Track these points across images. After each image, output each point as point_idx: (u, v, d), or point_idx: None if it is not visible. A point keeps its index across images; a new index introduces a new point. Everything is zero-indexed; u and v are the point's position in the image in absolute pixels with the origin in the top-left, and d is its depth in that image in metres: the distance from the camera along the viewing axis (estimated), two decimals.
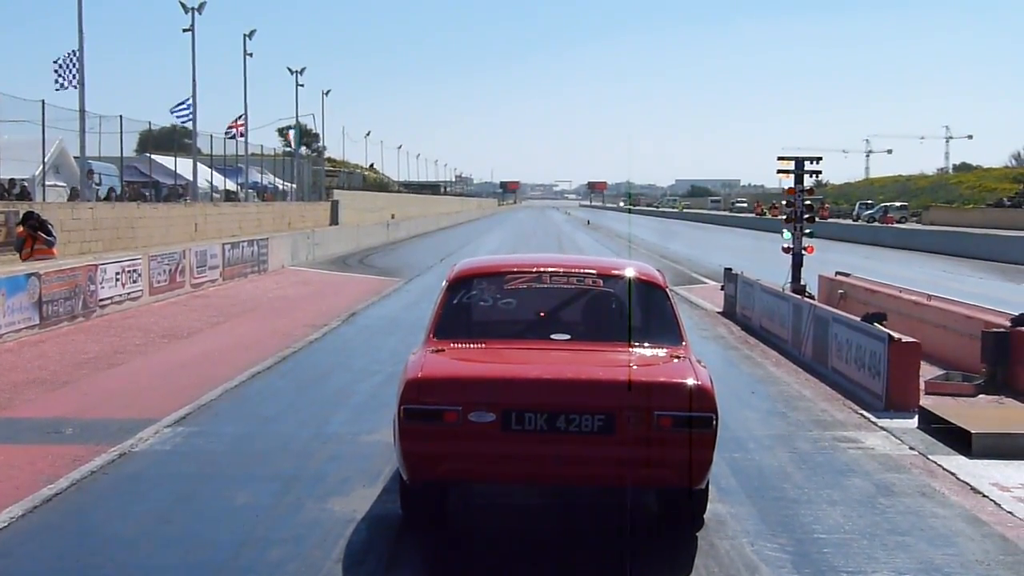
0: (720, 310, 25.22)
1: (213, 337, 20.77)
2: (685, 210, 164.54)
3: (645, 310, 9.22)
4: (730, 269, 25.64)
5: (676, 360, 8.56)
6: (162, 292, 27.07)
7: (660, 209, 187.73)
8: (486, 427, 7.83)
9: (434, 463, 7.99)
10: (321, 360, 17.97)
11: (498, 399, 7.87)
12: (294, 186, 63.83)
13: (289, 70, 66.66)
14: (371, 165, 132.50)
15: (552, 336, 8.95)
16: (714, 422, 7.94)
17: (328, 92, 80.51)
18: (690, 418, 7.82)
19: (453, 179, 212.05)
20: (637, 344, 8.82)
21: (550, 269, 9.58)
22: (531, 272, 9.52)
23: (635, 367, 8.19)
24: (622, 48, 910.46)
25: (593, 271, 9.55)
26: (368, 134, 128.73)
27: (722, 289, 25.98)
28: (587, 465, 7.91)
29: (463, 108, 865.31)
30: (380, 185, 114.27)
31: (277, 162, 65.49)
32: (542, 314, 9.24)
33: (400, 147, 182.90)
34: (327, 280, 34.94)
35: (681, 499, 8.54)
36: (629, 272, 9.57)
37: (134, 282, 25.38)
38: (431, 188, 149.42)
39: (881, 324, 15.06)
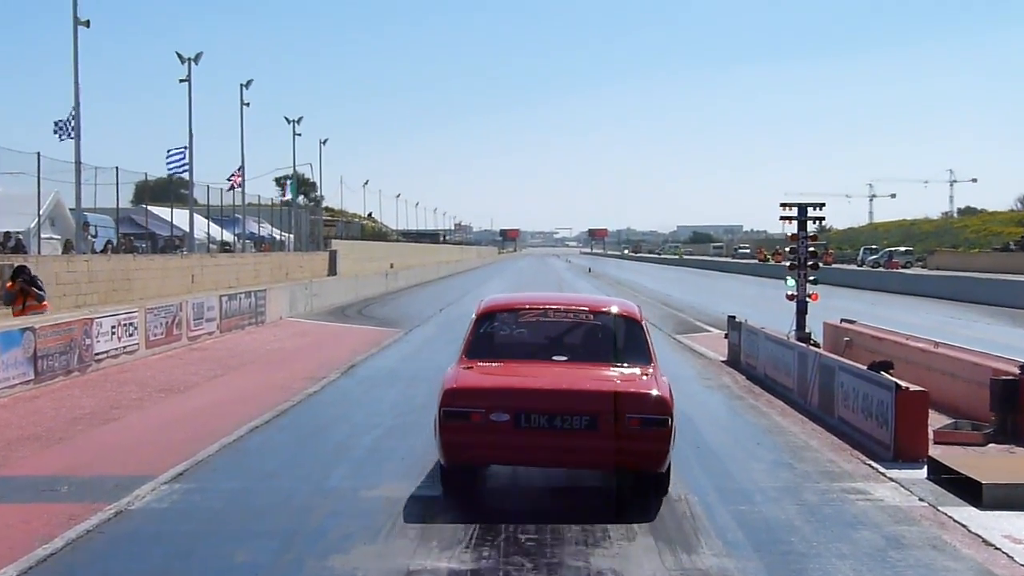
0: (724, 359, 25.19)
1: (211, 391, 20.73)
2: (686, 256, 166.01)
3: (624, 338, 12.25)
4: (733, 317, 25.64)
5: (645, 377, 11.48)
6: (159, 345, 27.05)
7: (662, 255, 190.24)
8: (502, 425, 10.69)
9: (464, 450, 10.95)
10: (320, 413, 17.92)
11: (511, 404, 10.77)
12: (292, 236, 63.42)
13: (286, 119, 67.19)
14: (369, 214, 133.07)
15: (553, 357, 11.98)
16: (670, 423, 10.78)
17: (326, 141, 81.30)
18: (652, 420, 10.71)
19: (452, 227, 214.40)
20: (617, 364, 11.85)
21: (553, 306, 12.75)
22: (539, 308, 12.71)
23: (614, 381, 11.23)
24: (622, 94, 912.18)
25: (586, 308, 12.74)
26: (366, 183, 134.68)
27: (726, 337, 25.95)
28: (577, 453, 10.78)
29: (462, 156, 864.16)
30: (379, 234, 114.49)
31: (275, 212, 65.12)
32: (547, 339, 12.30)
33: (399, 196, 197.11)
34: (326, 331, 34.92)
35: (649, 478, 11.36)
36: (614, 309, 12.86)
37: (130, 335, 25.36)
38: (430, 237, 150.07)
39: (888, 372, 15.03)
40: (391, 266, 78.93)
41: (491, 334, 12.33)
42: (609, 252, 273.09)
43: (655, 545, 9.90)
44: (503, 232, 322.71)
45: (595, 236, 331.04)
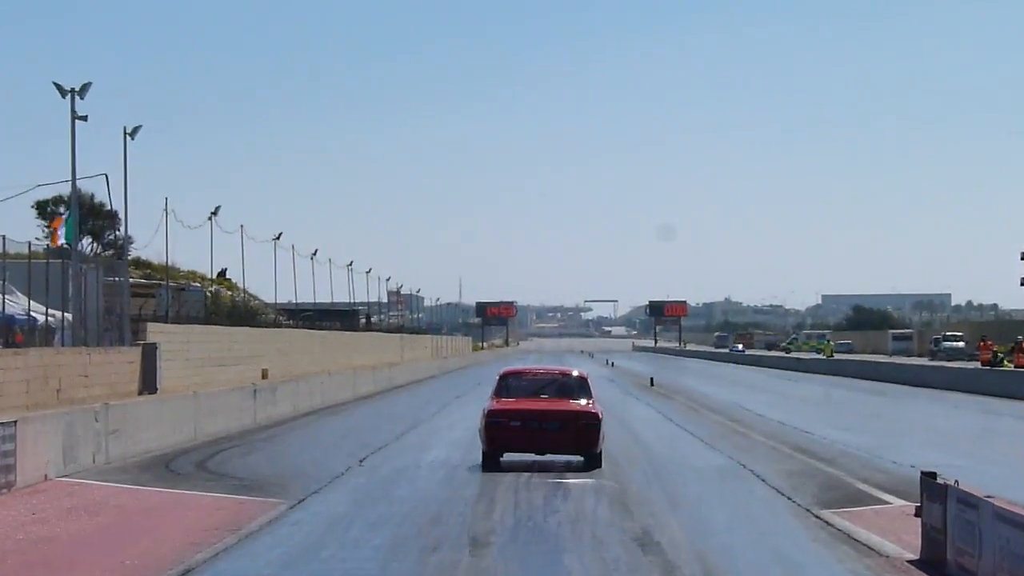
0: (915, 557, 15.14)
1: None
2: (838, 355, 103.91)
3: (577, 386, 24.58)
4: (932, 476, 15.53)
5: (588, 404, 23.73)
6: None
7: (793, 352, 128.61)
8: (516, 427, 23.14)
9: (497, 441, 23.28)
10: None
11: (520, 417, 23.30)
12: (69, 316, 39.16)
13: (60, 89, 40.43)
14: (222, 272, 72.66)
15: (541, 395, 24.27)
16: (600, 427, 23.26)
17: (135, 132, 44.34)
18: (591, 424, 23.29)
19: (387, 299, 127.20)
20: (574, 399, 24.06)
21: (541, 371, 26.56)
22: (534, 371, 26.30)
23: (573, 406, 23.73)
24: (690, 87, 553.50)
25: (558, 371, 26.45)
26: (215, 214, 60.70)
27: (917, 515, 15.84)
28: (555, 442, 23.37)
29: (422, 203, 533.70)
30: (242, 313, 64.93)
31: (33, 269, 37.03)
32: (538, 386, 24.74)
33: (315, 254, 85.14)
34: (133, 504, 19.94)
35: (591, 456, 23.29)
36: (574, 372, 25.90)
37: None
38: (341, 317, 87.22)
39: None
40: (263, 375, 50.91)
41: (507, 385, 24.86)
42: (688, 346, 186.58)
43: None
44: (481, 309, 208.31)
45: (661, 314, 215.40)
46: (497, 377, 25.16)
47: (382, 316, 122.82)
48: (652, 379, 67.84)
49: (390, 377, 67.24)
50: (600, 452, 23.50)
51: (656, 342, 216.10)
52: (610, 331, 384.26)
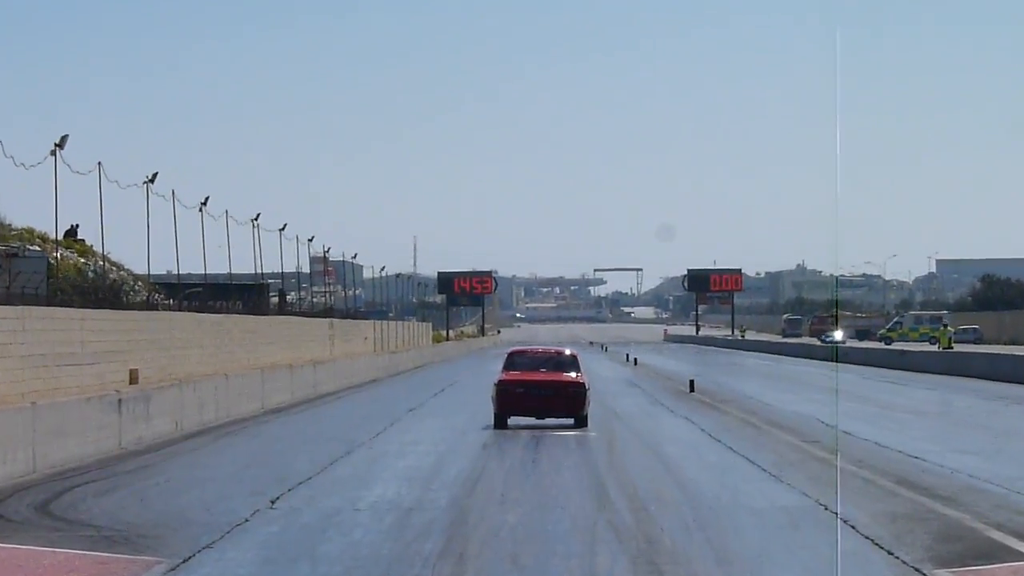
0: None
1: None
2: (956, 347, 79.46)
3: (569, 361, 31.97)
4: None
5: (576, 375, 31.06)
6: None
7: (895, 342, 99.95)
8: (521, 393, 30.35)
9: (505, 405, 30.59)
10: None
11: (524, 385, 30.49)
12: None
13: None
14: (71, 232, 52.77)
15: (541, 369, 31.44)
16: (586, 392, 30.75)
17: None
18: (579, 391, 30.63)
19: (309, 270, 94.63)
20: (566, 372, 31.20)
21: (541, 348, 36.57)
22: (536, 350, 34.62)
23: (565, 377, 30.96)
24: None
25: (554, 350, 34.21)
26: (59, 146, 39.95)
27: None
28: (552, 406, 30.60)
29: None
30: (101, 290, 45.64)
31: None
32: (538, 361, 32.29)
33: (257, 219, 64.44)
34: None
35: (578, 418, 30.63)
36: (567, 351, 33.49)
37: None
38: (243, 295, 62.21)
39: None
40: (132, 378, 37.35)
41: (513, 360, 31.78)
42: (749, 334, 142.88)
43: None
44: (446, 282, 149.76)
45: (706, 288, 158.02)
46: (505, 355, 33.13)
47: (303, 294, 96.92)
48: (692, 382, 48.54)
49: (314, 381, 49.57)
50: (586, 415, 30.77)
51: (698, 328, 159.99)
52: (631, 312, 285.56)
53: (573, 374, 31.26)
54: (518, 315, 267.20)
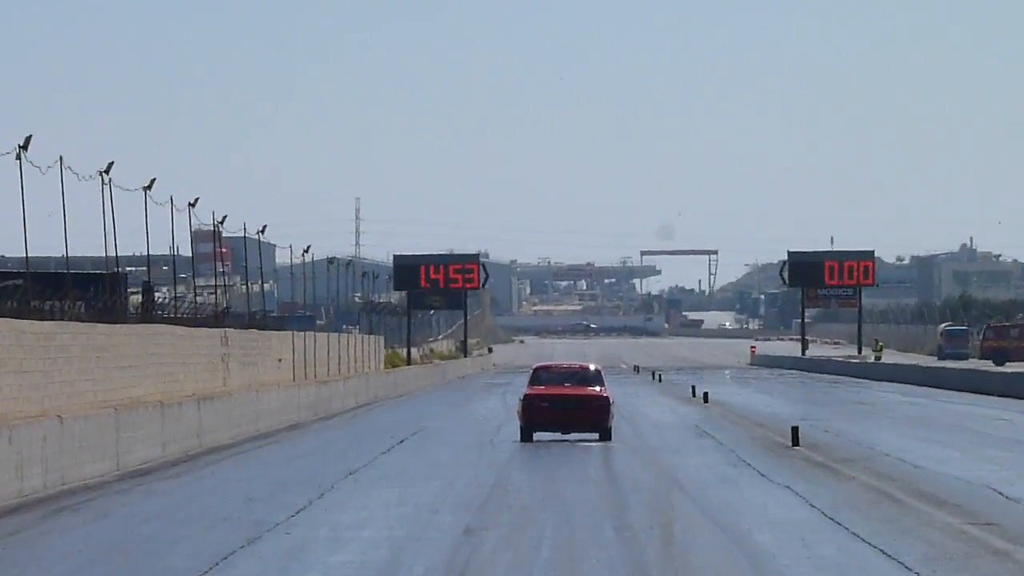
0: None
1: None
2: None
3: (593, 376, 34.25)
4: None
5: (601, 390, 33.34)
6: None
7: None
8: (546, 407, 32.63)
9: (531, 419, 32.84)
10: None
11: (549, 399, 32.78)
12: None
13: None
14: None
15: (565, 384, 33.85)
16: (610, 406, 33.24)
17: None
18: (603, 405, 32.86)
19: (192, 252, 68.67)
20: (590, 386, 33.54)
21: (565, 364, 39.00)
22: (561, 366, 37.79)
23: (589, 391, 33.37)
24: None
25: (578, 365, 37.03)
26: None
27: None
28: (576, 420, 32.85)
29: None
30: None
31: None
32: (563, 377, 34.77)
33: (108, 170, 41.35)
34: None
35: (603, 431, 32.87)
36: (591, 366, 35.85)
37: None
38: (87, 289, 41.26)
39: None
40: None
41: (539, 376, 34.09)
42: (887, 354, 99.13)
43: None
44: (407, 273, 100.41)
45: (818, 282, 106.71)
46: (531, 370, 36.28)
47: (181, 289, 65.75)
48: (795, 430, 32.75)
49: (199, 428, 33.55)
50: (611, 428, 33.31)
51: (805, 345, 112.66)
52: (701, 321, 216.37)
53: (597, 388, 33.23)
54: (522, 327, 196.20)
